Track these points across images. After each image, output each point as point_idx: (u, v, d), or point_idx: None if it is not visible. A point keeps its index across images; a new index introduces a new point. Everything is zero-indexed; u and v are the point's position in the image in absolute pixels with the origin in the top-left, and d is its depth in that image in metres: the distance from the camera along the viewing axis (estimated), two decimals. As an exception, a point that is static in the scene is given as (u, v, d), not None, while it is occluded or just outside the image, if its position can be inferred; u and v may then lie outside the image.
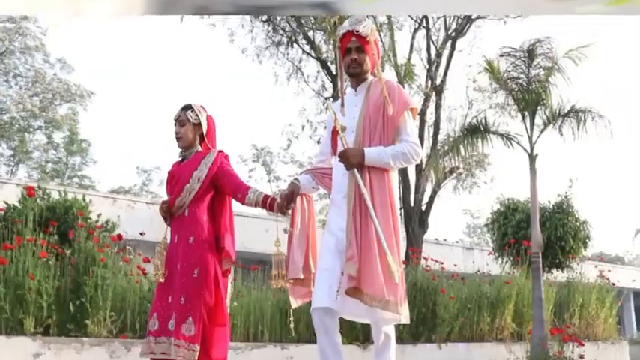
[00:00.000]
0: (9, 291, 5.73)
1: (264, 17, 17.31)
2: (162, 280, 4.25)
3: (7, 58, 33.14)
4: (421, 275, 8.70)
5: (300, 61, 18.04)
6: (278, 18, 17.36)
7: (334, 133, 4.02)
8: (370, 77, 4.08)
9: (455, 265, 11.14)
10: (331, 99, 15.84)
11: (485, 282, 9.81)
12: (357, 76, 4.05)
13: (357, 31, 3.95)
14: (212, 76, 64.68)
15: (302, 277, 4.06)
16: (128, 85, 66.27)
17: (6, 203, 7.54)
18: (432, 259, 9.57)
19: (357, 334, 7.67)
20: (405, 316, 3.77)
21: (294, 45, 17.71)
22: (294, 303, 4.18)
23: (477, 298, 9.25)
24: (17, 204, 7.53)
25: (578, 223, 12.49)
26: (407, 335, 8.10)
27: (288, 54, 17.87)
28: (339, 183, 3.95)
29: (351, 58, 3.99)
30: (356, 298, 3.68)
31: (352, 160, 3.79)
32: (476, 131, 10.05)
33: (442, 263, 9.76)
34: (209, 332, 4.17)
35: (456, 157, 10.58)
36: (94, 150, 39.83)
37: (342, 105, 4.07)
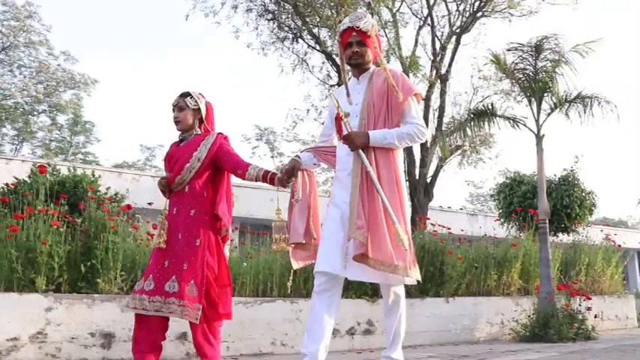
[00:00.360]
0: (21, 254, 5.89)
1: (269, 16, 17.50)
2: (164, 246, 4.45)
3: (11, 51, 33.49)
4: (428, 239, 8.85)
5: (305, 54, 18.27)
6: (283, 16, 17.56)
7: (338, 119, 4.17)
8: (372, 67, 4.29)
9: (462, 230, 11.34)
10: (336, 86, 16.06)
11: (492, 245, 9.97)
12: (359, 67, 4.26)
13: (358, 27, 4.15)
14: (217, 63, 65.22)
15: (303, 241, 4.32)
16: (132, 73, 66.95)
17: (16, 178, 7.71)
18: (440, 225, 9.75)
19: (366, 289, 7.83)
20: (413, 279, 3.99)
21: (299, 40, 17.92)
22: (296, 265, 4.49)
23: (483, 259, 9.40)
24: (27, 179, 7.71)
25: (584, 194, 12.90)
26: (415, 291, 8.28)
27: (293, 48, 18.15)
28: (343, 161, 4.16)
29: (353, 50, 4.19)
30: (364, 264, 3.86)
31: (356, 142, 3.98)
32: (482, 114, 10.23)
33: (449, 229, 9.97)
34: (216, 292, 4.41)
35: (463, 137, 10.77)
36: (97, 130, 40.48)
37: (348, 95, 4.25)
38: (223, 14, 17.84)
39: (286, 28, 17.70)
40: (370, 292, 7.85)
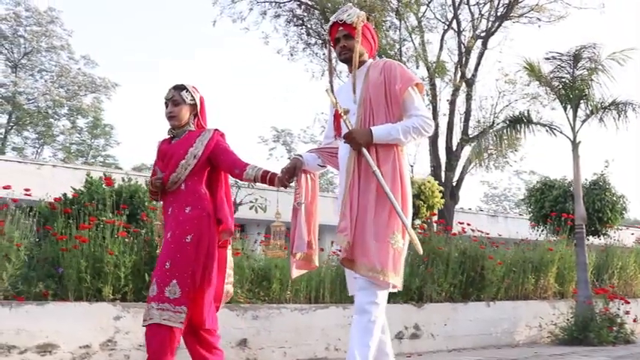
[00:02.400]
0: (89, 264, 6.11)
1: (298, 22, 17.72)
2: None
3: (33, 56, 34.01)
4: (469, 244, 9.11)
5: (336, 60, 18.46)
6: (312, 22, 17.77)
7: (337, 117, 4.03)
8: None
9: (499, 234, 11.61)
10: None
11: (529, 249, 10.17)
12: (351, 61, 4.03)
13: (342, 20, 3.99)
14: (233, 63, 65.72)
15: (306, 251, 4.12)
16: (148, 74, 67.45)
17: (73, 189, 7.95)
18: (478, 230, 9.98)
19: (412, 294, 8.05)
20: (398, 286, 3.75)
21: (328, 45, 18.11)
22: (295, 273, 4.27)
23: (521, 263, 9.59)
24: (82, 189, 7.94)
25: (615, 197, 13.21)
26: (458, 295, 8.56)
27: (323, 53, 18.32)
28: (344, 161, 3.96)
29: (340, 45, 4.02)
30: (348, 269, 3.80)
31: (359, 140, 3.77)
32: (518, 121, 10.45)
33: (488, 234, 10.20)
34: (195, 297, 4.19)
35: (499, 144, 11.00)
36: (116, 133, 40.87)
37: (332, 90, 4.12)
38: (251, 20, 17.99)
39: (315, 34, 17.91)
40: (416, 297, 8.08)
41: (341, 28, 4.01)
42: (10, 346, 5.43)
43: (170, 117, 4.35)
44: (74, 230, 6.33)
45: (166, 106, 4.37)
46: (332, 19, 4.08)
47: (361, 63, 4.04)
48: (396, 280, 3.71)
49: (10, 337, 5.45)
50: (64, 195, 7.80)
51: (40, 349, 5.56)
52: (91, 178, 8.08)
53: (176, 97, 4.33)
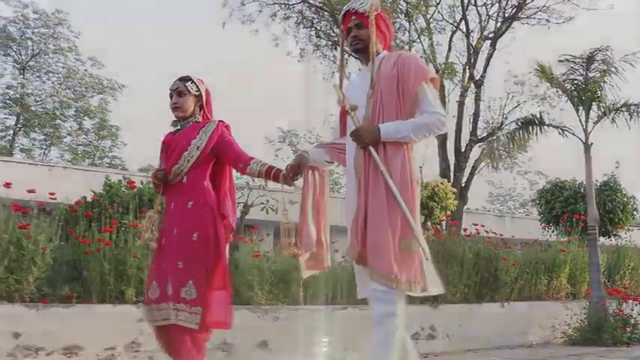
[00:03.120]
0: (112, 267, 6.19)
1: (308, 24, 17.81)
2: (154, 245, 4.21)
3: (40, 58, 34.21)
4: (482, 245, 9.17)
5: (346, 62, 18.65)
6: (322, 23, 17.85)
7: (343, 113, 3.86)
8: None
9: (512, 235, 11.70)
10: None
11: (542, 249, 10.24)
12: (363, 52, 3.82)
13: (355, 9, 3.78)
14: (240, 63, 65.77)
15: (315, 250, 3.95)
16: (152, 74, 67.48)
17: (93, 192, 8.04)
18: (492, 232, 10.05)
19: (428, 295, 8.09)
20: (417, 294, 3.56)
21: (338, 47, 18.20)
22: (305, 274, 4.14)
23: (534, 264, 9.66)
24: (102, 191, 8.03)
25: (626, 198, 13.33)
26: (472, 296, 8.63)
27: (333, 55, 18.42)
28: (350, 160, 3.76)
29: (352, 35, 3.80)
30: (362, 265, 3.58)
31: (366, 139, 3.57)
32: (530, 123, 10.52)
33: (501, 235, 10.28)
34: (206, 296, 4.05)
35: (512, 147, 11.08)
36: (123, 133, 40.91)
37: (340, 87, 3.89)
38: (260, 21, 18.05)
39: (324, 36, 17.99)
40: (432, 297, 8.14)
41: (353, 17, 3.79)
42: (37, 347, 5.53)
43: (174, 108, 4.29)
44: (96, 233, 6.40)
45: (171, 98, 4.31)
46: (345, 8, 3.85)
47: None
48: (417, 288, 3.53)
49: (37, 339, 5.55)
50: (84, 198, 7.88)
51: (66, 350, 5.65)
52: (110, 181, 8.17)
53: (181, 87, 4.26)
